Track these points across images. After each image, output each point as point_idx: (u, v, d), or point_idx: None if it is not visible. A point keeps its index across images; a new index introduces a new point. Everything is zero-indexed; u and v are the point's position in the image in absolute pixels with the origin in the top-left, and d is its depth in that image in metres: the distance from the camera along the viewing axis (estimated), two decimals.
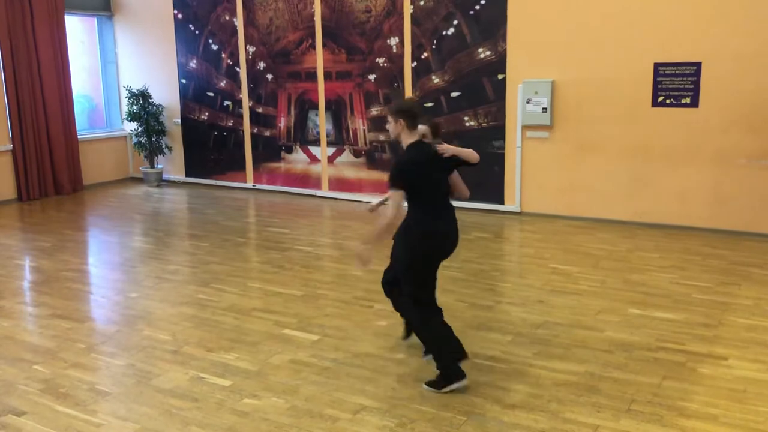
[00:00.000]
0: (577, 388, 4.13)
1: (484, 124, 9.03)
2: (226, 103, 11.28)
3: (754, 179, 7.56)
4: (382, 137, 9.85)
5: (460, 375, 4.04)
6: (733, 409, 3.84)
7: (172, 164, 12.11)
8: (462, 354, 4.12)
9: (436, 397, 4.03)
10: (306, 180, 10.78)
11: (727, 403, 3.91)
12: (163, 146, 11.84)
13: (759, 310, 5.35)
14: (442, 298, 5.68)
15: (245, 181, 11.36)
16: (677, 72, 7.73)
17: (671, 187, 7.97)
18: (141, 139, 11.67)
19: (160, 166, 12.06)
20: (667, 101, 7.84)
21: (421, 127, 4.29)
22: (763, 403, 3.90)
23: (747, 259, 6.76)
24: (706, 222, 7.83)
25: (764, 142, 7.45)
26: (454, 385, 4.03)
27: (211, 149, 11.63)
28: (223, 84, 11.25)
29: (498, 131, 8.94)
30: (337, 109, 10.30)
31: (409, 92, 9.49)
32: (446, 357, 4.05)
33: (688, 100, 7.74)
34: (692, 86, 7.69)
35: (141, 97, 11.59)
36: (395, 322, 5.11)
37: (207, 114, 11.53)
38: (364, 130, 10.07)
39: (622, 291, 5.89)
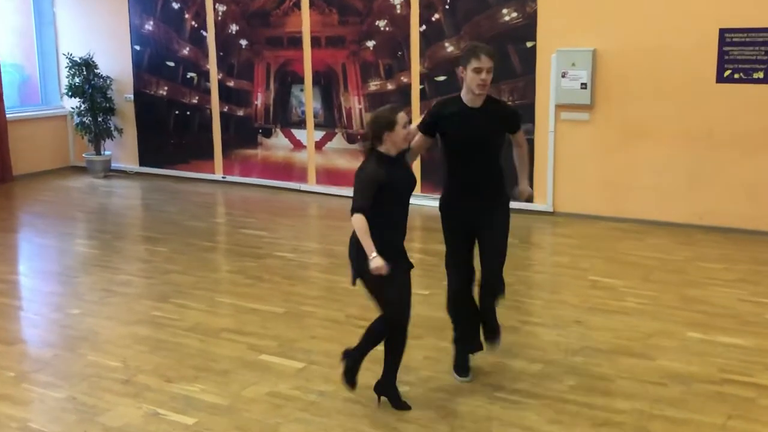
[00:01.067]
0: (623, 429, 4.13)
1: (509, 103, 9.03)
2: (190, 75, 11.28)
3: None
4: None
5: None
6: None
7: (123, 150, 12.11)
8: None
9: None
10: (288, 171, 10.78)
11: None
12: (112, 128, 11.85)
13: None
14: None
15: (213, 172, 11.36)
16: (748, 40, 7.74)
17: (739, 181, 7.98)
18: (84, 119, 11.67)
19: (107, 152, 12.06)
20: (736, 76, 7.85)
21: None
22: None
23: None
24: None
25: None
26: None
27: (171, 132, 11.64)
28: (186, 51, 11.25)
29: (526, 111, 8.93)
30: (327, 84, 10.30)
31: (416, 63, 9.51)
32: None
33: (761, 75, 7.74)
34: (766, 57, 7.69)
35: (84, 67, 11.59)
36: None
37: (166, 89, 11.53)
38: (360, 110, 10.08)
39: (679, 310, 5.89)
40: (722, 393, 4.51)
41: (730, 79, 7.87)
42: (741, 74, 7.82)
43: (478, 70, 4.39)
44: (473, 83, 4.41)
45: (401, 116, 4.21)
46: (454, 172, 4.64)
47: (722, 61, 7.88)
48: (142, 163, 12.00)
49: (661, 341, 5.28)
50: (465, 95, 4.53)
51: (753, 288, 6.34)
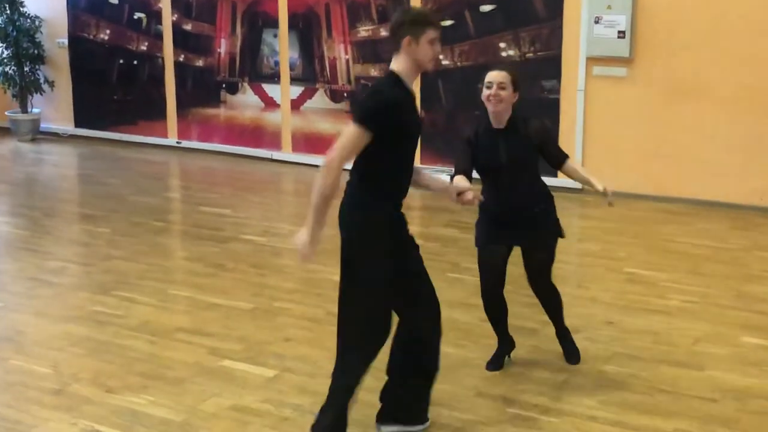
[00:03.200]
0: None
1: (530, 55, 9.03)
2: (138, 15, 11.24)
3: None
4: (373, 71, 9.84)
5: None
6: None
7: (56, 108, 12.08)
8: None
9: None
10: (258, 136, 10.76)
11: None
12: (42, 80, 11.81)
13: None
14: (456, 314, 5.74)
15: (166, 136, 11.35)
16: None
17: None
18: (7, 69, 11.63)
19: (36, 110, 12.04)
20: None
21: (495, 74, 4.71)
22: None
23: None
24: None
25: None
26: None
27: (114, 86, 11.61)
28: None
29: (550, 66, 8.93)
30: (306, 29, 10.26)
31: (416, 3, 9.47)
32: None
33: None
34: None
35: (8, 4, 11.52)
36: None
37: (108, 32, 11.48)
38: (347, 61, 10.06)
39: (734, 309, 5.92)
40: None
41: None
42: None
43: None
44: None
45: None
46: None
47: None
48: (78, 124, 11.97)
49: (710, 348, 5.31)
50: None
51: None
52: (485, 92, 4.71)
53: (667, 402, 4.65)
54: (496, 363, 5.09)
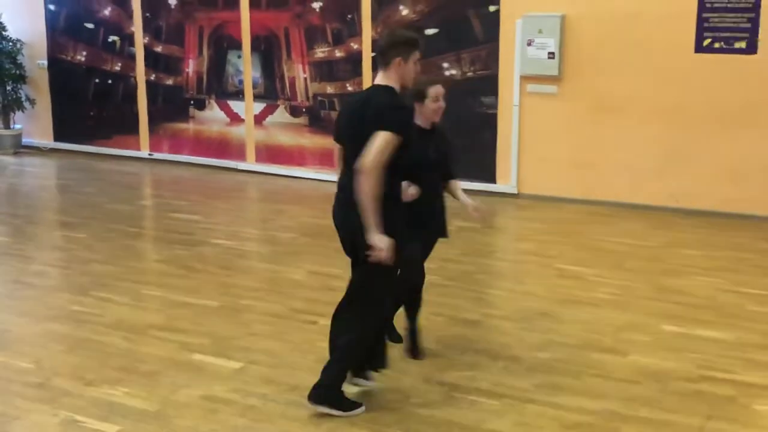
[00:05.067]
0: (593, 431, 4.19)
1: (470, 74, 9.07)
2: (112, 38, 11.11)
3: None
4: (330, 89, 9.83)
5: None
6: None
7: (36, 124, 11.91)
8: None
9: None
10: (224, 148, 10.69)
11: None
12: (23, 98, 11.63)
13: None
14: None
15: (139, 149, 11.24)
16: (730, 5, 7.87)
17: (719, 161, 8.13)
18: None
19: (18, 126, 11.86)
20: (716, 45, 7.98)
21: (436, 88, 4.74)
22: None
23: None
24: (765, 209, 8.03)
25: None
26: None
27: (90, 104, 11.47)
28: (107, 12, 11.07)
29: (488, 84, 8.98)
30: (267, 50, 10.22)
31: (367, 27, 9.47)
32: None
33: (743, 45, 7.88)
34: (749, 25, 7.83)
35: None
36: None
37: (85, 54, 11.35)
38: (305, 80, 10.03)
39: (653, 301, 5.99)
40: (700, 391, 4.59)
41: (709, 49, 8.00)
42: (722, 43, 7.95)
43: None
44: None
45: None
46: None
47: (701, 29, 7.99)
48: (57, 139, 11.82)
49: (634, 335, 5.36)
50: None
51: (734, 277, 6.47)
52: (434, 105, 4.71)
53: (596, 385, 4.68)
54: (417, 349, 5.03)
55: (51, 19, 11.47)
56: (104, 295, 6.12)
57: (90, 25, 11.21)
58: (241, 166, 10.51)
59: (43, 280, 6.50)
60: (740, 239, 7.47)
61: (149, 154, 11.14)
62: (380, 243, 4.01)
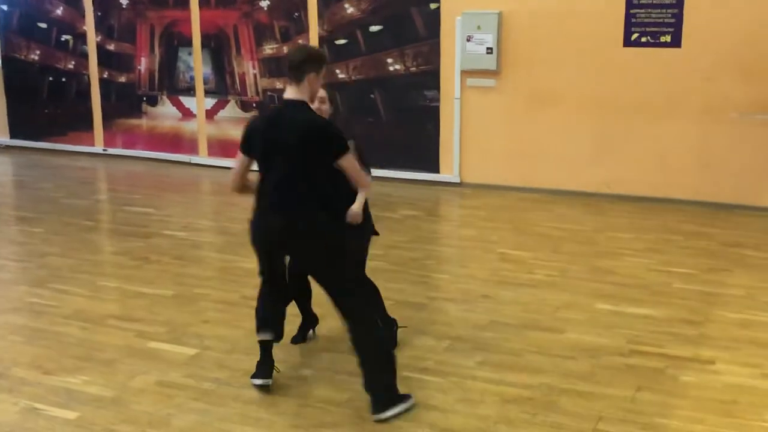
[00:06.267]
0: (532, 405, 4.25)
1: (413, 69, 9.09)
2: (65, 37, 10.94)
3: (747, 139, 7.94)
4: (279, 84, 9.78)
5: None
6: (722, 425, 4.05)
7: None
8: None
9: (351, 423, 4.07)
10: (177, 142, 10.59)
11: (714, 418, 4.11)
12: None
13: (753, 302, 5.65)
14: None
15: (93, 145, 11.08)
16: (655, 2, 7.99)
17: (647, 149, 8.27)
18: None
19: None
20: (643, 40, 8.10)
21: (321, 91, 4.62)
22: (756, 416, 4.13)
23: (739, 239, 7.11)
24: (690, 193, 8.19)
25: (760, 92, 7.82)
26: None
27: (44, 101, 11.28)
28: (59, 11, 10.88)
29: (431, 78, 9.01)
30: (217, 47, 10.13)
31: (314, 25, 9.43)
32: None
33: (668, 39, 8.02)
34: (674, 20, 7.96)
35: None
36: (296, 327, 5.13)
37: (38, 52, 11.15)
38: (255, 75, 9.96)
39: (588, 281, 6.08)
40: (631, 365, 4.69)
41: (637, 43, 8.12)
42: (648, 38, 8.07)
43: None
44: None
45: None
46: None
47: (629, 24, 8.11)
48: (12, 136, 11.61)
49: (569, 314, 5.45)
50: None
51: (662, 257, 6.60)
52: (322, 107, 4.60)
53: (535, 361, 4.74)
54: (300, 336, 5.03)
55: (3, 19, 11.25)
56: (61, 287, 6.04)
57: (43, 25, 11.03)
58: (194, 159, 10.42)
59: (1, 274, 6.39)
60: (667, 222, 7.62)
61: (103, 150, 10.99)
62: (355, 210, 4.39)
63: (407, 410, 4.17)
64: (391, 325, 4.91)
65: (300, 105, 4.13)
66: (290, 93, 4.15)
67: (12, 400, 4.33)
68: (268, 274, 4.45)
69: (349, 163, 4.15)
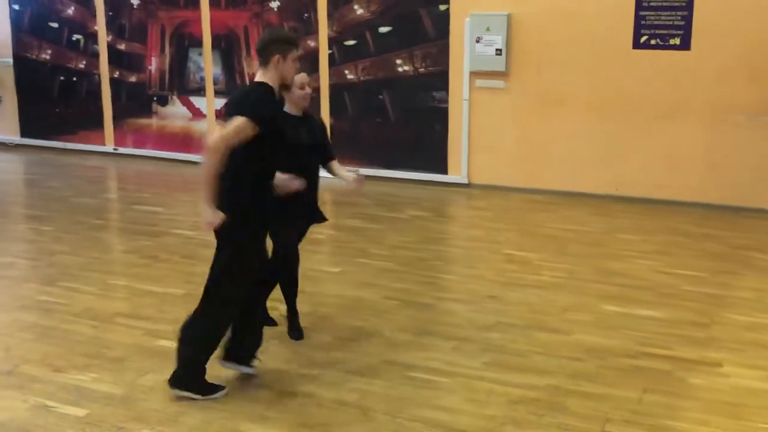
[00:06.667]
0: (539, 406, 4.24)
1: (422, 70, 9.09)
2: (76, 37, 10.96)
3: (755, 142, 7.92)
4: None
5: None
6: (729, 428, 4.04)
7: (2, 120, 11.73)
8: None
9: (359, 422, 4.08)
10: (187, 142, 10.61)
11: (722, 420, 4.11)
12: None
13: (761, 305, 5.63)
14: (364, 293, 5.77)
15: (103, 144, 11.11)
16: (665, 4, 7.98)
17: (655, 151, 8.26)
18: None
19: None
20: (652, 42, 8.09)
21: (301, 76, 4.69)
22: (764, 419, 4.13)
23: (747, 242, 7.09)
24: (698, 195, 8.17)
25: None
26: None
27: (55, 100, 11.31)
28: (71, 11, 10.91)
29: (439, 79, 9.01)
30: (228, 48, 10.15)
31: (324, 26, 9.45)
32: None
33: (677, 41, 8.00)
34: (683, 23, 7.95)
35: None
36: (306, 325, 5.13)
37: (50, 52, 11.18)
38: None
39: (595, 283, 6.07)
40: (638, 366, 4.68)
41: (646, 46, 8.11)
42: (657, 40, 8.06)
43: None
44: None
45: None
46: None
47: (639, 27, 8.10)
48: (24, 134, 11.64)
49: (576, 315, 5.44)
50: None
51: (669, 259, 6.59)
52: (300, 92, 4.74)
53: (541, 362, 4.74)
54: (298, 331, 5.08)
55: (15, 18, 11.28)
56: (71, 285, 6.06)
57: (54, 24, 11.06)
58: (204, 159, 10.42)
59: (11, 272, 6.41)
60: (674, 224, 7.61)
61: (114, 149, 11.02)
62: (211, 216, 4.19)
63: (197, 399, 4.26)
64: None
65: (257, 84, 4.17)
66: (257, 75, 4.21)
67: (22, 397, 4.34)
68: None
69: (232, 122, 4.02)
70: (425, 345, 4.98)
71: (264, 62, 4.16)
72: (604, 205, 8.26)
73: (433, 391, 4.39)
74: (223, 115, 4.26)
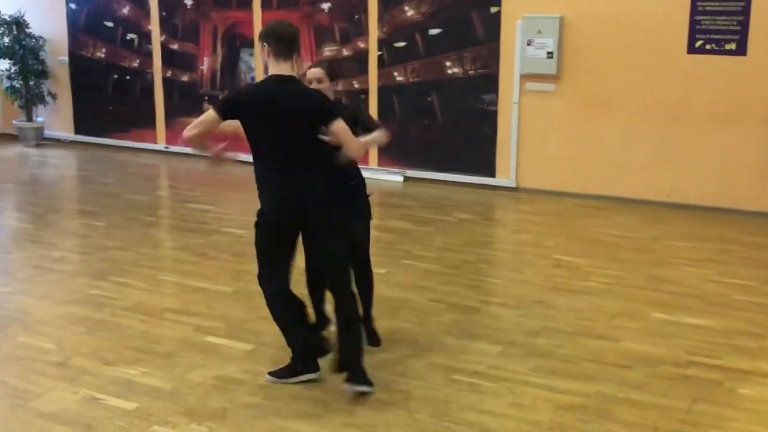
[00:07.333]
0: (586, 412, 4.21)
1: (472, 72, 9.07)
2: (130, 36, 11.12)
3: None
4: (337, 86, 9.80)
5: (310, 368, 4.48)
6: None
7: (57, 117, 11.93)
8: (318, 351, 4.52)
9: (404, 423, 4.08)
10: (238, 141, 10.67)
11: None
12: (45, 93, 11.67)
13: None
14: (409, 295, 5.77)
15: (155, 142, 11.25)
16: (721, 9, 7.86)
17: (708, 158, 8.14)
18: (15, 83, 11.47)
19: (40, 119, 11.88)
20: (707, 47, 7.98)
21: (312, 71, 4.75)
22: None
23: None
24: (752, 204, 8.03)
25: None
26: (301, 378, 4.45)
27: (109, 98, 11.49)
28: (126, 11, 11.08)
29: (489, 82, 8.98)
30: None
31: (374, 27, 9.47)
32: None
33: (733, 46, 7.88)
34: (739, 27, 7.83)
35: (15, 26, 11.37)
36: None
37: (104, 51, 11.36)
38: None
39: (644, 290, 6.01)
40: (688, 376, 4.62)
41: (701, 50, 8.00)
42: (713, 45, 7.95)
43: None
44: None
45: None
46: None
47: (693, 31, 7.99)
48: (77, 132, 11.84)
49: (625, 322, 5.39)
50: None
51: (720, 268, 6.49)
52: (314, 86, 4.72)
53: (589, 369, 4.70)
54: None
55: (72, 18, 11.49)
56: (122, 280, 6.15)
57: (109, 24, 11.24)
58: None
59: (64, 266, 6.53)
60: (726, 232, 7.49)
61: (165, 147, 11.16)
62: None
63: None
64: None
65: (292, 79, 4.31)
66: (281, 69, 4.29)
67: (73, 389, 4.43)
68: (275, 263, 4.63)
69: (339, 127, 4.19)
70: (470, 348, 4.97)
71: (288, 55, 4.31)
72: (655, 212, 8.16)
73: (479, 395, 4.37)
74: (281, 117, 4.30)
